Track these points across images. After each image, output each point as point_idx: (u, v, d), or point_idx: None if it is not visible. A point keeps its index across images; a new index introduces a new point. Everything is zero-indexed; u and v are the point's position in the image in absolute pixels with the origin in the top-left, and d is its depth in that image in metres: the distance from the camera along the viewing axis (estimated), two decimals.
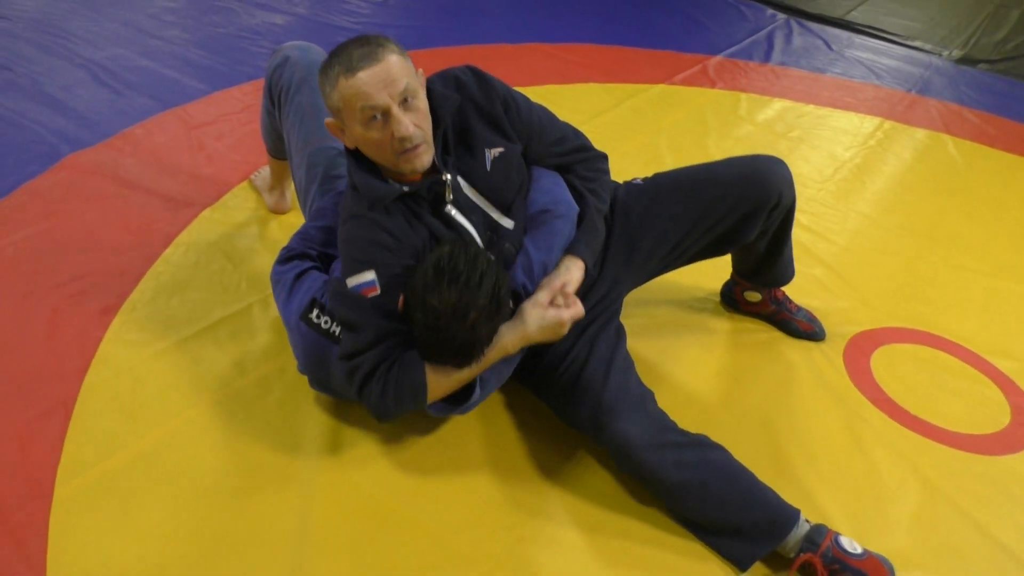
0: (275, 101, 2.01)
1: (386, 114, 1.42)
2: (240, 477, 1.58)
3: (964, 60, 4.73)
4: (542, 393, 1.73)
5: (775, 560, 1.52)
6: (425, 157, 1.49)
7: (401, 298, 1.47)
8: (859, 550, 1.46)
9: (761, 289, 2.11)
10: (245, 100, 3.03)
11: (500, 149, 1.61)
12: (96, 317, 1.93)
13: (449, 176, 1.55)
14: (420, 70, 1.51)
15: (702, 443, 1.60)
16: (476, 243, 1.54)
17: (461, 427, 1.75)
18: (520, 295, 1.57)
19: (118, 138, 2.69)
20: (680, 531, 1.58)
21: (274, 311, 1.97)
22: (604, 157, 1.82)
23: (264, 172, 2.44)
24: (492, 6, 4.72)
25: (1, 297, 1.95)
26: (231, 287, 2.08)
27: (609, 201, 1.78)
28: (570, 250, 1.65)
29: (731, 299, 2.20)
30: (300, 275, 1.71)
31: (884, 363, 2.10)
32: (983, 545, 1.63)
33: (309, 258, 1.76)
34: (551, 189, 1.72)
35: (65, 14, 3.62)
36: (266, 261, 2.16)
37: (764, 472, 1.58)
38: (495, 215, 1.62)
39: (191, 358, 1.85)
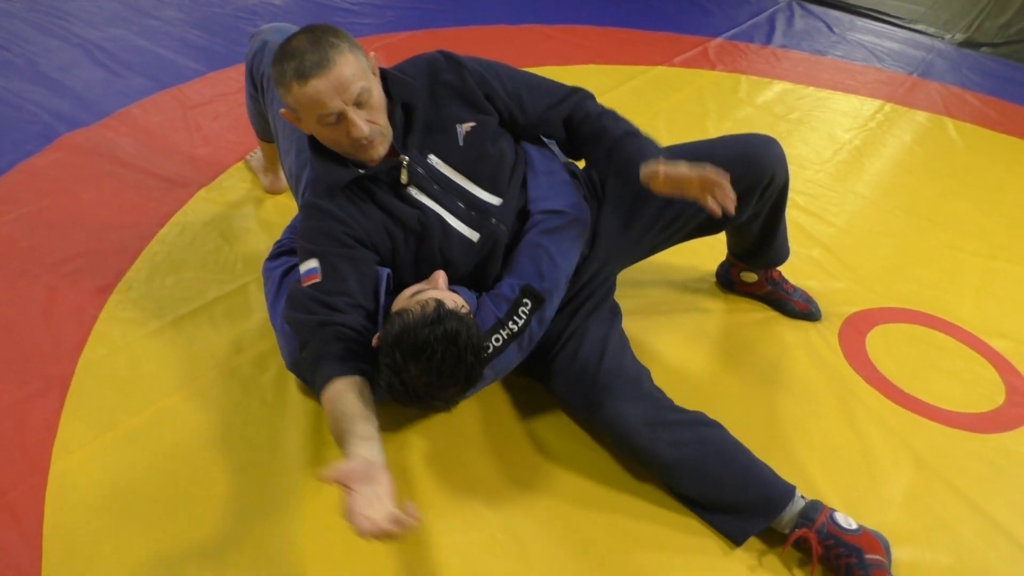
0: (258, 87, 2.01)
1: (341, 116, 1.43)
2: (235, 454, 1.59)
3: (967, 43, 4.70)
4: (537, 374, 1.73)
5: (771, 535, 1.53)
6: (381, 148, 1.51)
7: (376, 337, 1.44)
8: (854, 526, 1.47)
9: (757, 270, 2.10)
10: (241, 80, 2.97)
11: (472, 124, 1.61)
12: (92, 296, 1.93)
13: (407, 158, 1.55)
14: (372, 54, 1.52)
15: (698, 421, 1.60)
16: (445, 302, 1.42)
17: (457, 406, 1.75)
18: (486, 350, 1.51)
19: (114, 118, 2.69)
20: (676, 507, 1.59)
21: None
22: (592, 95, 1.77)
23: (259, 153, 2.43)
24: None
25: None
26: (226, 267, 2.08)
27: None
28: (650, 154, 1.58)
29: (727, 280, 2.20)
30: (287, 272, 1.72)
31: (880, 343, 2.10)
32: (976, 522, 1.63)
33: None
34: (564, 191, 1.71)
35: None
36: (261, 241, 2.17)
37: (759, 450, 1.58)
38: (476, 191, 1.61)
39: (186, 337, 1.86)
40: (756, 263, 2.08)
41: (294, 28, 1.98)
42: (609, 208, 1.80)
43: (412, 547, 1.45)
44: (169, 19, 3.53)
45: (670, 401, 1.63)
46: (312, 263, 1.50)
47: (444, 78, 1.62)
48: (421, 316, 1.34)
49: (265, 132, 2.15)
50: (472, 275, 1.64)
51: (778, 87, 3.69)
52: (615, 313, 1.78)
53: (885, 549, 1.45)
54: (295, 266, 1.69)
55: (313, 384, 1.65)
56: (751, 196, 1.79)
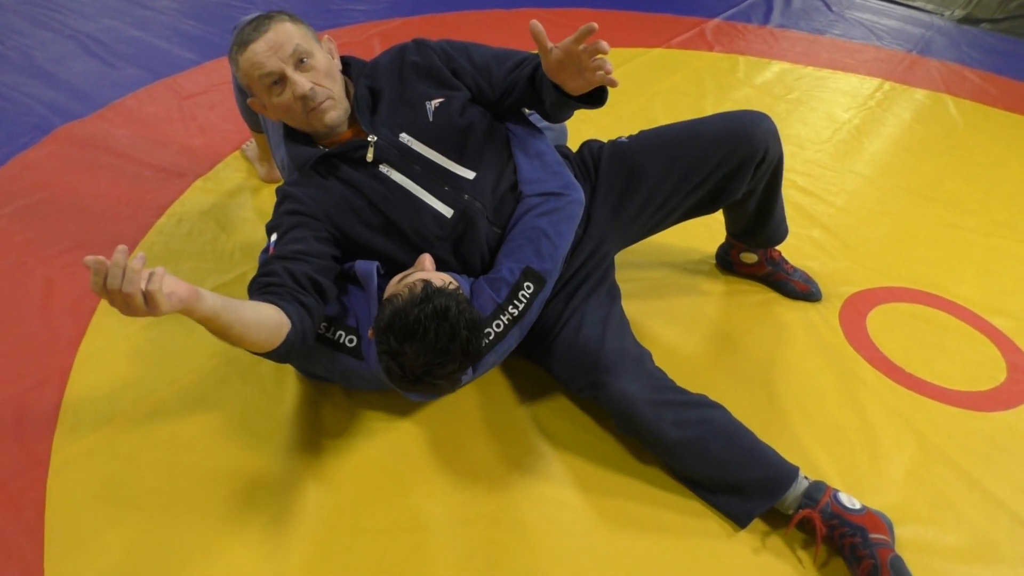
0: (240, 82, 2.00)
1: (283, 78, 1.53)
2: (235, 442, 1.59)
3: (966, 20, 4.67)
4: (538, 357, 1.72)
5: (774, 517, 1.52)
6: (333, 113, 1.58)
7: (370, 330, 1.43)
8: (858, 506, 1.47)
9: (756, 249, 2.10)
10: None
11: (440, 99, 1.66)
12: (90, 288, 1.92)
13: (375, 137, 1.60)
14: (327, 37, 1.65)
15: (701, 402, 1.60)
16: (432, 281, 1.41)
17: (457, 392, 1.75)
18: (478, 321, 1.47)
19: (110, 109, 2.68)
20: (678, 490, 1.58)
21: None
22: None
23: (255, 143, 2.42)
24: None
25: None
26: (224, 256, 2.08)
27: None
28: None
29: (727, 262, 2.19)
30: None
31: (880, 322, 2.09)
32: (978, 500, 1.63)
33: None
34: (558, 171, 1.71)
35: None
36: (259, 230, 2.16)
37: (760, 431, 1.58)
38: (449, 165, 1.63)
39: (185, 327, 1.84)
40: (755, 242, 2.07)
41: None
42: (602, 189, 1.80)
43: (414, 533, 1.45)
44: (163, 9, 3.51)
45: (673, 382, 1.62)
46: (273, 236, 1.55)
47: (411, 60, 1.69)
48: (410, 298, 1.34)
49: (256, 124, 2.15)
50: (453, 254, 1.63)
51: (776, 67, 3.67)
52: (615, 295, 1.77)
53: (889, 528, 1.45)
54: None
55: (303, 367, 1.67)
56: (745, 172, 1.79)
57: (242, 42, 1.53)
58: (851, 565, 1.42)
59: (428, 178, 1.61)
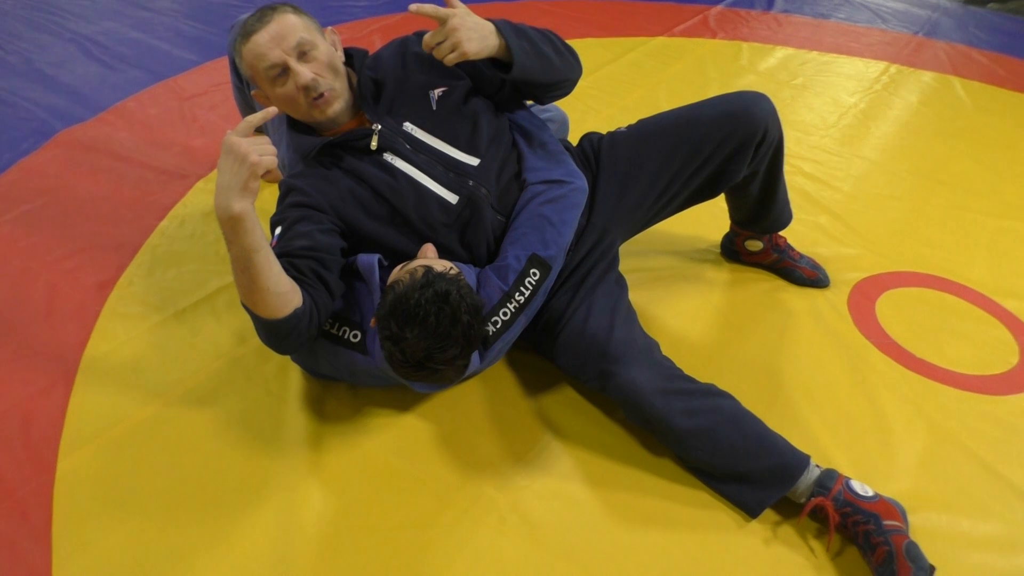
0: (243, 78, 2.01)
1: (286, 69, 1.53)
2: (241, 443, 1.58)
3: (973, 0, 4.62)
4: (545, 348, 1.71)
5: (786, 506, 1.51)
6: (336, 104, 1.58)
7: (372, 320, 1.44)
8: (870, 493, 1.45)
9: (761, 236, 2.07)
10: None
11: (443, 88, 1.67)
12: (94, 291, 1.93)
13: (379, 126, 1.61)
14: (330, 29, 1.65)
15: (711, 391, 1.58)
16: (434, 267, 1.43)
17: (463, 386, 1.74)
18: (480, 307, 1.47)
19: (111, 112, 2.68)
20: (688, 481, 1.57)
21: None
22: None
23: None
24: None
25: None
26: (226, 257, 2.03)
27: (559, 45, 1.71)
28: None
29: (732, 251, 2.17)
30: None
31: (890, 307, 2.07)
32: (992, 484, 1.61)
33: None
34: (561, 160, 1.72)
35: None
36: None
37: (770, 420, 1.56)
38: (453, 153, 1.64)
39: (189, 329, 1.85)
40: (759, 228, 2.05)
41: None
42: (604, 178, 1.79)
43: (422, 531, 1.44)
44: (162, 10, 3.50)
45: (681, 371, 1.61)
46: (277, 230, 1.55)
47: (413, 50, 1.69)
48: (411, 283, 1.35)
49: None
50: (460, 243, 1.63)
51: (781, 53, 3.64)
52: (621, 285, 1.76)
53: (902, 515, 1.43)
54: None
55: (309, 366, 1.67)
56: (745, 153, 1.77)
57: (246, 33, 1.54)
58: (865, 553, 1.40)
59: (432, 165, 1.62)
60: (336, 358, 1.57)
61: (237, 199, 1.26)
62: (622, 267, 1.83)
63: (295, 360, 1.69)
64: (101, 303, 1.90)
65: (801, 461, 1.48)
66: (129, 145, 2.50)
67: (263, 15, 1.54)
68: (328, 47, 1.60)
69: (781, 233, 2.09)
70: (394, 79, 1.67)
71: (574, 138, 1.97)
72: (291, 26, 1.53)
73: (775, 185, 1.93)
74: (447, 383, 1.54)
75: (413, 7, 1.49)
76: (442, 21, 1.49)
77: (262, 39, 1.52)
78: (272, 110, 1.31)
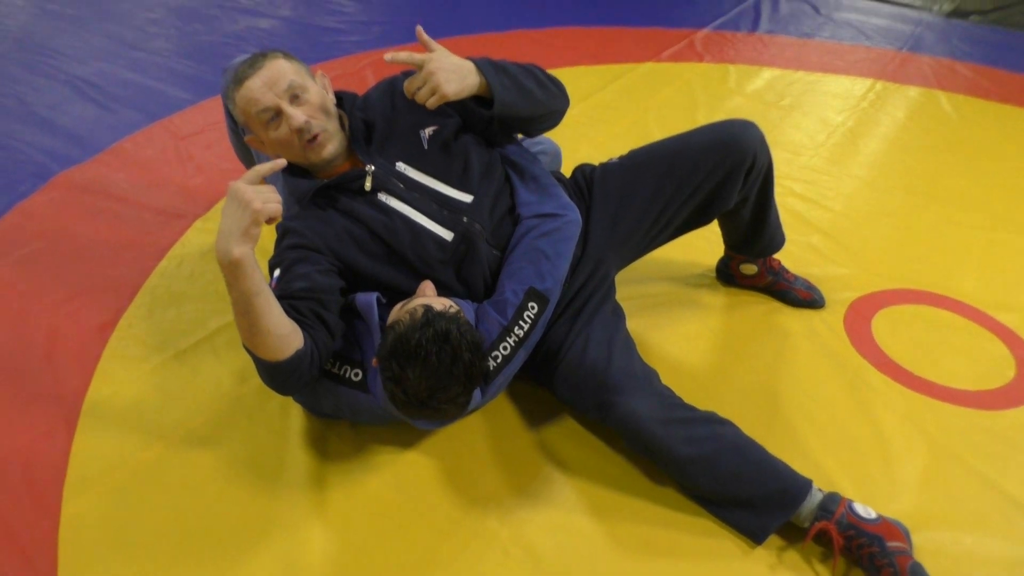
0: (237, 120, 2.02)
1: (279, 112, 1.56)
2: (244, 482, 1.59)
3: (955, 13, 4.68)
4: (544, 380, 1.72)
5: (789, 531, 1.51)
6: (330, 146, 1.62)
7: (374, 359, 1.45)
8: (873, 515, 1.45)
9: (755, 260, 2.09)
10: None
11: (433, 127, 1.70)
12: (94, 333, 1.94)
13: (372, 167, 1.63)
14: (320, 72, 1.69)
15: (711, 419, 1.59)
16: (433, 305, 1.44)
17: (464, 420, 1.74)
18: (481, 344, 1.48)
19: (107, 153, 2.70)
20: (692, 510, 1.57)
21: None
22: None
23: None
24: None
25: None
26: (225, 296, 2.01)
27: (542, 78, 1.74)
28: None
29: (727, 275, 2.19)
30: None
31: (885, 326, 2.08)
32: (995, 500, 1.62)
33: None
34: (553, 192, 1.74)
35: (50, 32, 3.63)
36: (259, 268, 2.17)
37: (770, 443, 1.57)
38: (446, 190, 1.66)
39: (190, 369, 1.86)
40: (752, 251, 2.07)
41: None
42: (597, 209, 1.82)
43: (426, 567, 1.44)
44: (157, 50, 3.54)
45: (681, 399, 1.62)
46: (276, 272, 1.56)
47: (401, 90, 1.68)
48: (411, 323, 1.36)
49: (250, 162, 2.16)
50: (456, 279, 1.65)
51: (767, 74, 3.68)
52: (618, 315, 1.78)
53: (906, 536, 1.44)
54: None
55: (310, 405, 1.67)
56: (735, 180, 1.80)
57: (238, 79, 1.57)
58: (871, 575, 1.41)
59: (426, 203, 1.64)
60: (337, 397, 1.58)
61: (237, 244, 1.28)
62: (619, 295, 1.84)
63: (297, 399, 1.70)
64: (102, 345, 1.90)
65: (803, 486, 1.49)
66: (126, 186, 2.52)
67: (254, 61, 1.58)
68: (319, 90, 1.63)
69: (775, 255, 2.11)
70: (384, 119, 1.70)
71: (567, 167, 2.00)
72: (282, 71, 1.57)
73: (766, 209, 1.95)
74: (449, 420, 1.55)
75: (388, 56, 1.55)
76: (419, 66, 1.53)
77: (255, 84, 1.55)
78: (281, 162, 1.35)
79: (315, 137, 1.58)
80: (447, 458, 1.66)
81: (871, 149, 3.05)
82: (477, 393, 1.50)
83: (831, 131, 3.17)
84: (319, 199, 1.65)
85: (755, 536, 1.50)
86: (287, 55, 1.62)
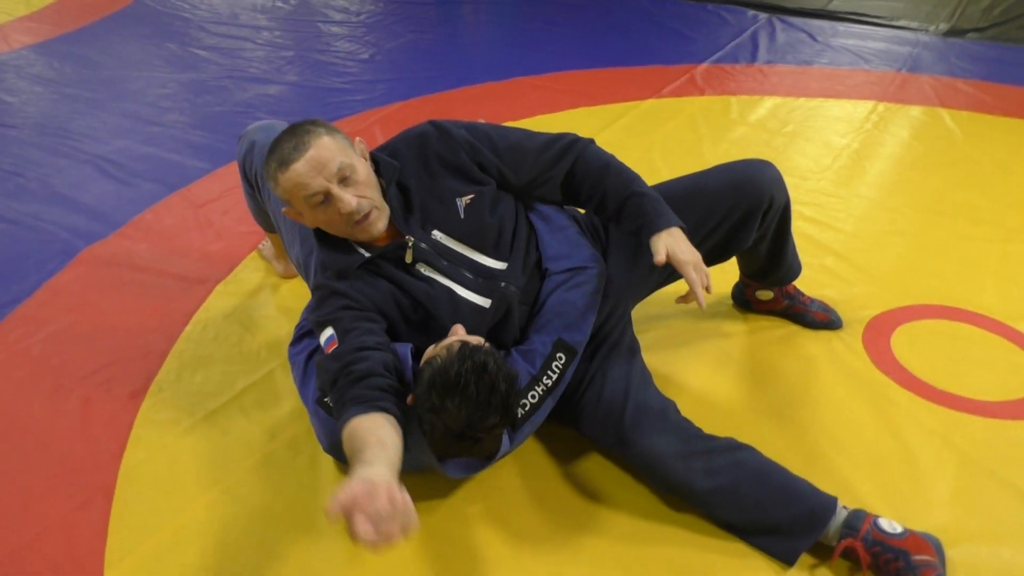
0: (253, 184, 2.08)
1: (328, 195, 1.50)
2: (278, 538, 1.61)
3: (952, 32, 4.72)
4: (565, 419, 1.73)
5: (817, 549, 1.51)
6: (379, 223, 1.57)
7: (410, 397, 1.47)
8: (899, 529, 1.46)
9: (771, 287, 2.11)
10: None
11: (471, 196, 1.65)
12: (126, 401, 1.98)
13: (412, 238, 1.60)
14: (358, 139, 1.61)
15: (730, 446, 1.60)
16: (468, 341, 1.45)
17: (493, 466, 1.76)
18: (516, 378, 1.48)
19: (129, 226, 2.77)
20: (723, 534, 1.58)
21: None
22: (591, 141, 1.78)
23: (269, 242, 2.50)
24: (474, 47, 4.82)
25: (33, 393, 2.01)
26: (251, 356, 2.13)
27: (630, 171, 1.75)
28: (666, 223, 1.64)
29: (743, 300, 2.21)
30: (311, 355, 1.75)
31: (905, 342, 2.09)
32: None
33: None
34: (579, 243, 1.74)
35: (68, 114, 3.74)
36: (282, 326, 2.22)
37: (796, 467, 1.58)
38: (481, 259, 1.64)
39: (221, 430, 1.89)
40: (769, 281, 2.09)
41: (280, 124, 2.07)
42: (614, 250, 1.83)
43: None
44: (171, 123, 3.64)
45: (699, 430, 1.63)
46: (328, 331, 1.54)
47: (436, 151, 1.65)
48: (448, 356, 1.38)
49: (269, 225, 2.22)
50: (488, 337, 1.64)
51: (769, 103, 3.73)
52: (634, 349, 1.79)
53: (936, 549, 1.43)
54: (318, 347, 1.73)
55: (340, 456, 1.68)
56: (752, 221, 1.81)
57: (283, 161, 1.50)
58: None
59: (461, 272, 1.62)
60: None
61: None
62: (635, 325, 1.86)
63: (327, 451, 1.72)
64: (134, 412, 1.95)
65: (828, 505, 1.50)
66: (149, 256, 2.59)
67: (299, 143, 1.50)
68: (365, 165, 1.58)
69: None
70: (419, 182, 1.65)
71: None
72: (330, 152, 1.50)
73: (784, 244, 1.97)
74: (482, 457, 1.56)
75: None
76: (691, 282, 1.59)
77: (302, 168, 1.49)
78: None
79: (366, 216, 1.54)
80: (478, 504, 1.67)
81: (877, 169, 3.08)
82: (505, 440, 1.52)
83: (836, 154, 3.20)
84: (361, 270, 1.62)
85: (786, 559, 1.51)
86: (328, 128, 1.55)
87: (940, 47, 4.49)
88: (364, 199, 1.53)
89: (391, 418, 1.38)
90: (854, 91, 3.86)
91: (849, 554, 1.47)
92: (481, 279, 1.63)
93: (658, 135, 3.38)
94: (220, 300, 2.37)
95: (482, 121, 1.79)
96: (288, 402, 1.96)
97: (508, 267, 1.65)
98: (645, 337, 1.85)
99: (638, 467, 1.62)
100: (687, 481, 1.55)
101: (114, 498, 1.72)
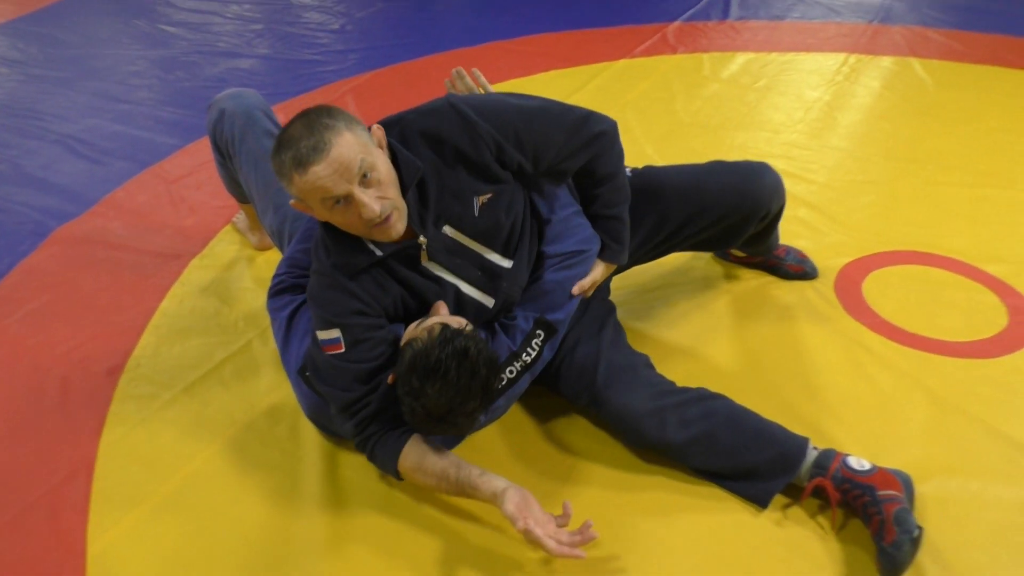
0: (224, 153, 2.06)
1: (348, 197, 1.36)
2: (261, 506, 1.62)
3: None
4: (542, 379, 1.75)
5: (788, 489, 1.55)
6: (400, 225, 1.44)
7: (391, 376, 1.47)
8: (867, 466, 1.49)
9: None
10: None
11: (488, 195, 1.54)
12: (104, 378, 1.98)
13: (425, 239, 1.51)
14: (375, 126, 1.47)
15: (702, 396, 1.63)
16: (450, 324, 1.44)
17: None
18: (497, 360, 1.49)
19: (102, 205, 2.75)
20: (698, 479, 1.62)
21: (273, 344, 2.00)
22: (611, 131, 1.65)
23: (243, 214, 2.48)
24: (446, 13, 4.77)
25: (12, 373, 2.01)
26: (228, 327, 2.13)
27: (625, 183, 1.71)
28: (615, 257, 1.71)
29: (720, 252, 2.23)
30: (294, 313, 1.74)
31: (876, 288, 2.11)
32: (997, 445, 1.65)
33: (300, 288, 1.78)
34: (576, 225, 1.70)
35: (36, 95, 3.69)
36: (259, 297, 2.22)
37: (773, 414, 1.61)
38: (489, 256, 1.58)
39: (200, 401, 1.90)
40: (748, 251, 2.14)
41: (249, 92, 2.05)
42: None
43: (452, 564, 1.48)
44: (141, 100, 3.61)
45: (671, 383, 1.66)
46: (333, 333, 1.49)
47: (456, 144, 1.50)
48: (429, 340, 1.37)
49: (241, 195, 2.20)
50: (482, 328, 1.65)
51: (741, 59, 3.72)
52: (610, 308, 1.81)
53: (904, 484, 1.46)
54: (300, 306, 1.73)
55: (322, 424, 1.71)
56: (747, 226, 1.84)
57: (299, 161, 1.33)
58: (866, 523, 1.45)
59: (468, 269, 1.58)
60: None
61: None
62: (610, 279, 1.88)
63: (309, 418, 1.74)
64: (112, 388, 1.95)
65: (800, 447, 1.53)
66: (122, 234, 2.57)
67: (318, 141, 1.33)
68: (384, 159, 1.43)
69: None
70: (436, 177, 1.51)
71: None
72: (352, 150, 1.34)
73: (770, 232, 1.99)
74: (460, 435, 1.58)
75: None
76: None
77: (324, 172, 1.33)
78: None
79: (387, 219, 1.40)
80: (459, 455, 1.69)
81: (849, 120, 3.09)
82: (482, 418, 1.54)
83: (808, 107, 3.20)
84: (372, 268, 1.53)
85: (760, 501, 1.54)
86: (347, 120, 1.38)
87: None
88: (386, 200, 1.39)
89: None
90: (826, 44, 3.86)
91: (819, 492, 1.51)
92: (486, 277, 1.59)
93: (632, 95, 3.37)
94: (196, 274, 2.36)
95: (499, 93, 1.68)
96: (267, 372, 1.97)
97: (514, 265, 1.60)
98: (618, 289, 1.86)
99: (614, 425, 1.65)
100: (662, 435, 1.58)
101: (95, 473, 1.72)
